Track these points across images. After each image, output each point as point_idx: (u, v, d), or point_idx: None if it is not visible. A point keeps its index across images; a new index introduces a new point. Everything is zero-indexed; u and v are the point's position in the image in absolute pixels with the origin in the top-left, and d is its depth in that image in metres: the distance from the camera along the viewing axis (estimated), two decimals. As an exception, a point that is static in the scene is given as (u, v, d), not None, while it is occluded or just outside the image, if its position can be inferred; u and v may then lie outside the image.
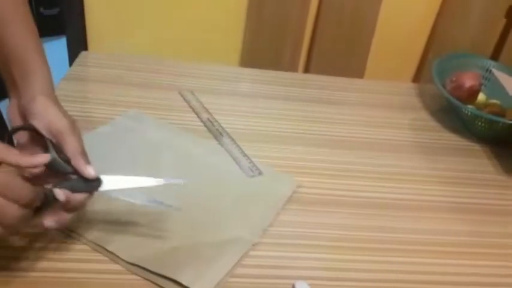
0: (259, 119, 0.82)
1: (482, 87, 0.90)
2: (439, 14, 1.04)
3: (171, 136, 0.73)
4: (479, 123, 0.82)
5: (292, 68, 1.06)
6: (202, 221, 0.60)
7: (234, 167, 0.70)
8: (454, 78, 0.87)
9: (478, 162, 0.80)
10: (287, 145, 0.77)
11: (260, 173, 0.69)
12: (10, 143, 0.77)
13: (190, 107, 0.82)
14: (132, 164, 0.67)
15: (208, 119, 0.79)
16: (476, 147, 0.83)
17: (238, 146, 0.74)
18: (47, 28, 0.91)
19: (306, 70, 1.09)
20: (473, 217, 0.68)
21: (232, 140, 0.75)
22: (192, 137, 0.74)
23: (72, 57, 0.95)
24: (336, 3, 1.00)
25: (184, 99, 0.84)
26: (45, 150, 0.49)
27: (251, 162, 0.71)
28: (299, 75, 1.04)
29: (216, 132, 0.76)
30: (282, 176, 0.69)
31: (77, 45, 0.96)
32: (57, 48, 1.05)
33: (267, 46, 1.03)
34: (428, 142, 0.83)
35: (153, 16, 0.99)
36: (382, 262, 0.59)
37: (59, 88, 0.81)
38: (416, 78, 1.11)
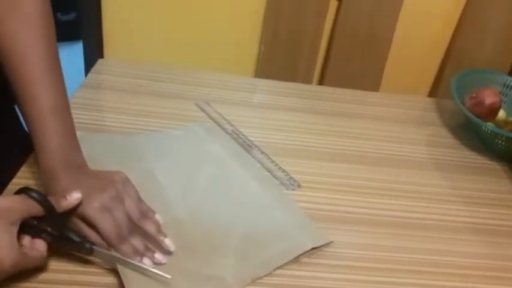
0: (276, 132, 0.81)
1: (502, 104, 0.89)
2: (457, 29, 1.03)
3: (228, 153, 0.72)
4: (499, 142, 0.81)
5: (307, 80, 1.05)
6: (199, 247, 0.56)
7: (271, 180, 0.69)
8: (474, 95, 0.86)
9: (498, 181, 0.78)
10: (303, 159, 0.75)
11: (299, 186, 0.68)
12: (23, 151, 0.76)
13: (211, 118, 0.81)
14: (175, 167, 0.67)
15: (233, 131, 0.77)
16: (496, 165, 0.82)
17: (270, 158, 0.73)
18: (63, 33, 0.91)
19: (320, 83, 1.08)
20: (494, 239, 0.67)
21: (263, 152, 0.74)
22: (245, 156, 0.73)
23: (89, 63, 0.95)
24: (353, 16, 1.00)
25: (202, 109, 0.83)
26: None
27: (288, 174, 0.70)
28: (315, 88, 1.03)
29: (244, 144, 0.75)
30: (313, 229, 0.62)
31: (94, 51, 0.96)
32: (73, 53, 1.05)
33: (282, 58, 1.03)
34: (447, 159, 0.82)
35: (169, 26, 0.98)
36: (395, 284, 0.57)
37: (75, 96, 0.81)
38: (433, 93, 1.10)
